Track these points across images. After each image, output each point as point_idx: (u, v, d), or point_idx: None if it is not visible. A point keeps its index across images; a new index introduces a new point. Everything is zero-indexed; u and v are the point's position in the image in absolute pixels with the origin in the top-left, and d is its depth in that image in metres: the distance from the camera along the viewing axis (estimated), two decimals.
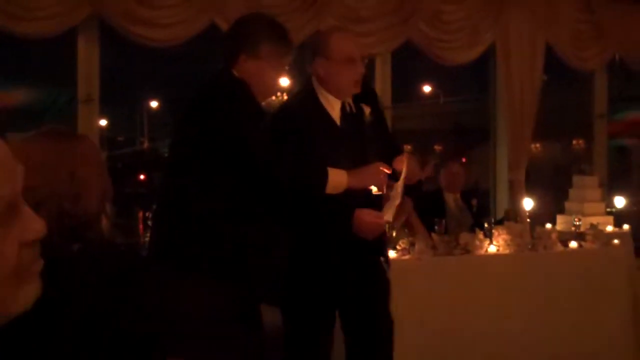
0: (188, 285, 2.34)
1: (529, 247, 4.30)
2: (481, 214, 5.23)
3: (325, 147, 2.91)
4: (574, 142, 10.11)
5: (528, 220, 4.72)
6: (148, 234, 3.55)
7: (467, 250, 4.10)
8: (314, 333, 3.01)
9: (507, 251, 4.20)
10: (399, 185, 2.91)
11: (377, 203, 2.96)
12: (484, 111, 6.74)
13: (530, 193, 5.83)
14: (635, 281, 4.64)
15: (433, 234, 4.17)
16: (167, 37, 4.80)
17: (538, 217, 5.40)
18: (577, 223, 4.84)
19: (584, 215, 5.19)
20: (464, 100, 14.43)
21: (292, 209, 2.85)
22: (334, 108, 3.01)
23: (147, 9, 4.66)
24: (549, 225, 5.27)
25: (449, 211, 5.26)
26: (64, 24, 4.54)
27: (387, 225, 2.92)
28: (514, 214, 5.00)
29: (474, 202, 5.32)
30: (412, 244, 4.07)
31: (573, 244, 4.49)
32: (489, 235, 4.23)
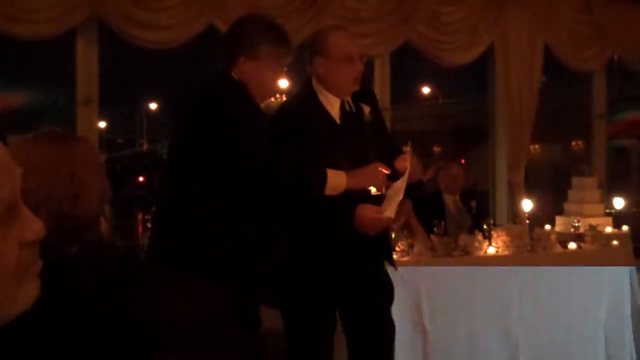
0: (187, 286, 2.35)
1: (528, 248, 4.31)
2: (480, 215, 5.23)
3: (325, 146, 2.91)
4: (573, 143, 10.11)
5: (527, 221, 4.72)
6: (147, 236, 3.55)
7: (466, 251, 4.11)
8: (314, 334, 3.01)
9: (506, 252, 4.20)
10: (403, 181, 2.91)
11: (376, 203, 2.96)
12: (483, 112, 6.74)
13: (529, 194, 5.83)
14: (635, 282, 4.64)
15: (432, 236, 4.18)
16: (166, 39, 4.80)
17: (537, 218, 5.41)
18: (576, 224, 4.84)
19: (583, 216, 5.19)
20: (463, 101, 14.43)
21: (291, 209, 2.85)
22: (333, 107, 3.02)
23: (145, 10, 4.65)
24: (548, 227, 5.27)
25: (448, 213, 5.26)
26: (63, 25, 4.53)
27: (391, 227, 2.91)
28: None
29: (473, 203, 5.32)
30: (411, 246, 4.07)
31: (572, 245, 4.49)
32: (488, 237, 4.23)
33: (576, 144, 9.90)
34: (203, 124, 2.63)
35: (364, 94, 3.12)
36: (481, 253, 4.13)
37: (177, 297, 1.50)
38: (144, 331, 1.33)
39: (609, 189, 6.64)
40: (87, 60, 4.80)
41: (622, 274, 4.54)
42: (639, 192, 8.65)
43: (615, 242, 4.64)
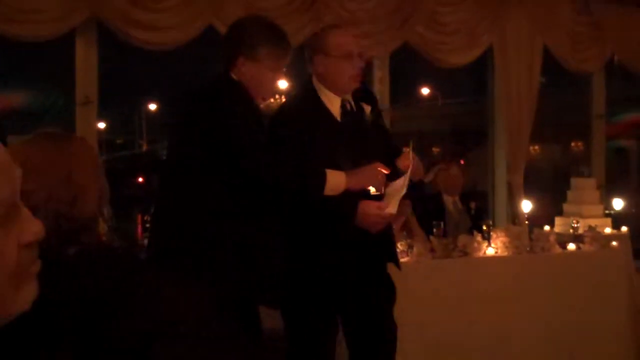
0: (187, 286, 2.34)
1: (527, 249, 4.31)
2: (480, 216, 5.24)
3: (326, 144, 2.91)
4: (573, 144, 10.12)
5: (526, 222, 4.73)
6: (146, 237, 3.55)
7: (465, 252, 4.11)
8: (314, 335, 3.00)
9: (505, 253, 4.20)
10: (405, 178, 2.91)
11: None
12: (482, 113, 6.75)
13: (528, 195, 5.83)
14: (634, 283, 4.65)
15: (431, 237, 4.18)
16: (165, 40, 4.81)
17: (536, 219, 5.41)
18: (576, 225, 4.84)
19: (582, 217, 5.20)
20: (462, 102, 14.45)
21: (291, 209, 2.85)
22: (334, 105, 3.02)
23: (145, 12, 4.66)
24: (547, 228, 5.28)
25: (447, 214, 5.26)
26: (63, 26, 4.54)
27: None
28: None
29: (473, 204, 5.32)
30: (410, 247, 4.07)
31: (571, 246, 4.49)
32: (487, 238, 4.23)
33: (575, 145, 9.91)
34: (203, 125, 2.63)
35: (365, 94, 3.12)
36: (480, 254, 4.13)
37: (177, 297, 1.49)
38: (144, 331, 1.33)
39: (608, 189, 6.65)
40: (86, 61, 4.80)
41: (622, 274, 4.54)
42: (638, 193, 8.66)
43: (614, 243, 4.64)
